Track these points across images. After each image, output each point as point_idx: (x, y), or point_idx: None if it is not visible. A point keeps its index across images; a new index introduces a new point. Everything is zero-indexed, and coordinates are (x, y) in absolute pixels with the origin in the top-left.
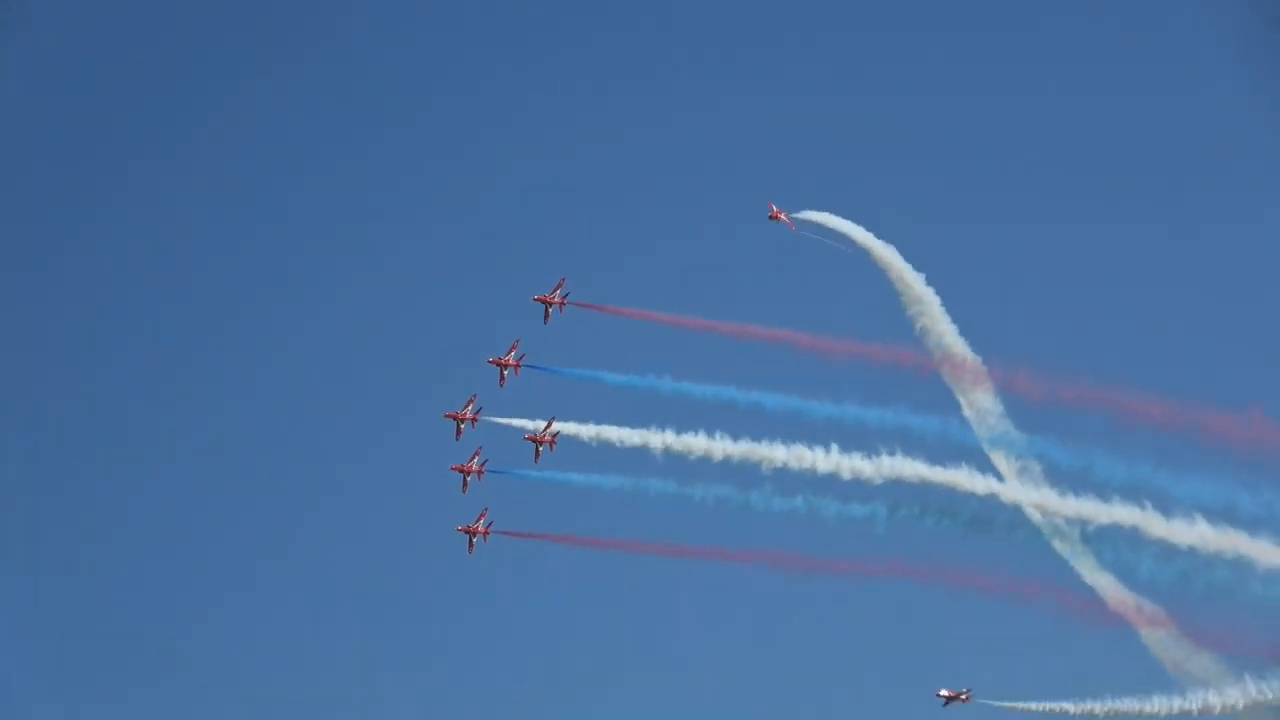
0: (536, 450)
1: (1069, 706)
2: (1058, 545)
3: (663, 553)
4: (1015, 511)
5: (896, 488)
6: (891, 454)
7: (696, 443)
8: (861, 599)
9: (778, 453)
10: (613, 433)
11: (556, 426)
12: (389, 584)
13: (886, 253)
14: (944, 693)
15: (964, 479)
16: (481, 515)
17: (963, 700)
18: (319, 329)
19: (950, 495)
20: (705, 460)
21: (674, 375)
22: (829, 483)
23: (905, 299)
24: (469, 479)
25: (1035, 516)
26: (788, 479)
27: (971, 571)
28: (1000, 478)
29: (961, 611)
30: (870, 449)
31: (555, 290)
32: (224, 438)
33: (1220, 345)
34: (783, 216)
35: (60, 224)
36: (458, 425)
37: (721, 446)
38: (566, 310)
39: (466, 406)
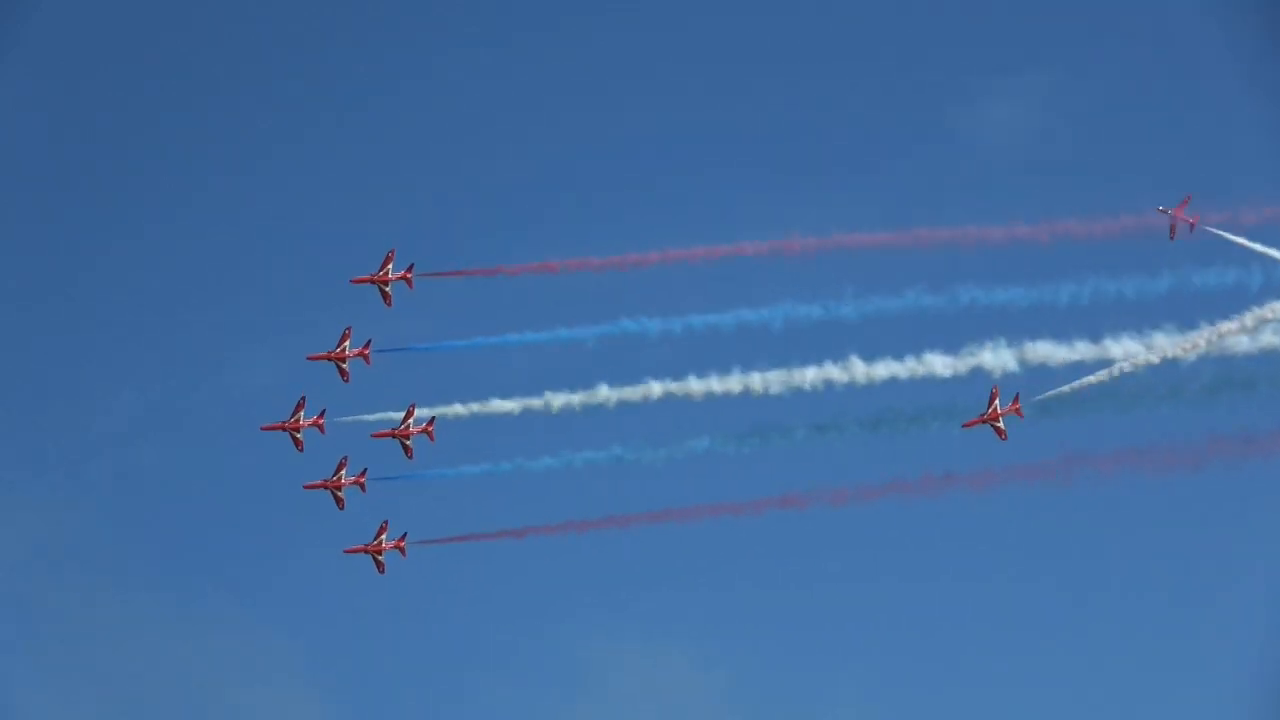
0: (405, 447)
1: None
2: None
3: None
4: None
5: None
6: None
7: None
8: None
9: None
10: (511, 405)
11: (425, 413)
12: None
13: None
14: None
15: None
16: (382, 529)
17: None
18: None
19: None
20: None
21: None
22: None
23: None
24: (341, 494)
25: None
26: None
27: None
28: None
29: None
30: None
31: (384, 267)
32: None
33: None
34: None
35: None
36: (293, 436)
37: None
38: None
39: (295, 413)
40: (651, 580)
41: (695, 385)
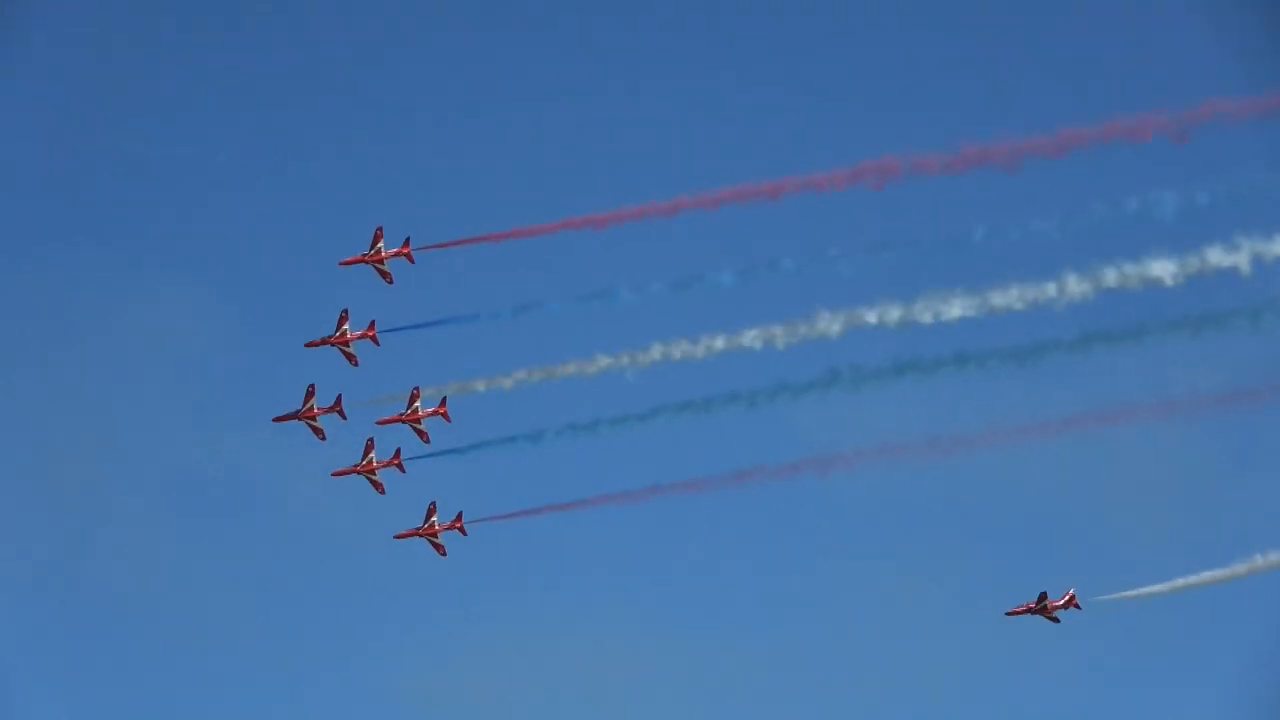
0: (419, 432)
1: None
2: None
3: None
4: None
5: None
6: None
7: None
8: None
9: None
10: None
11: (432, 393)
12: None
13: None
14: None
15: None
16: (431, 511)
17: None
18: None
19: None
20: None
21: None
22: None
23: None
24: (377, 477)
25: None
26: None
27: None
28: None
29: None
30: None
31: (375, 245)
32: None
33: None
34: None
35: None
36: (310, 425)
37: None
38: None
39: (307, 401)
40: None
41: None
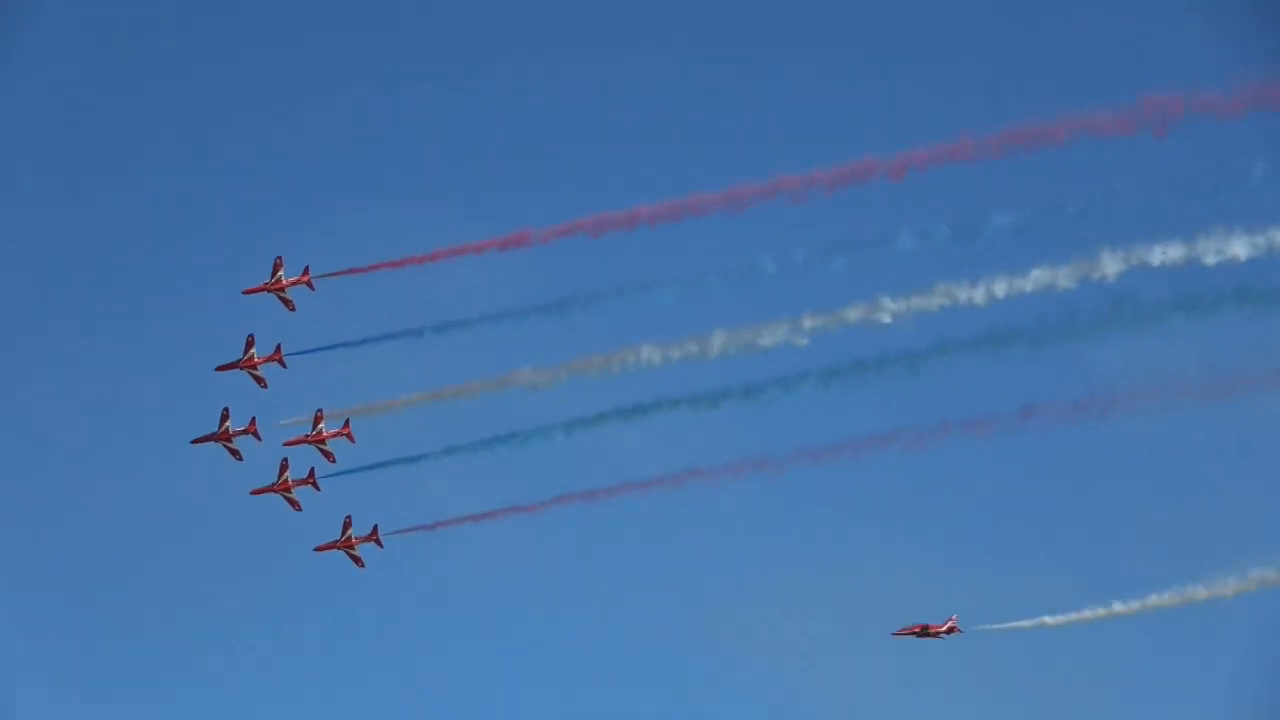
0: (324, 452)
1: None
2: None
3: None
4: None
5: None
6: None
7: None
8: None
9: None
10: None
11: (335, 414)
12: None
13: None
14: None
15: None
16: (346, 525)
17: None
18: None
19: None
20: None
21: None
22: None
23: None
24: (293, 495)
25: None
26: None
27: None
28: None
29: None
30: None
31: (275, 274)
32: None
33: None
34: None
35: None
36: (227, 447)
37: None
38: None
39: (223, 424)
40: None
41: None
